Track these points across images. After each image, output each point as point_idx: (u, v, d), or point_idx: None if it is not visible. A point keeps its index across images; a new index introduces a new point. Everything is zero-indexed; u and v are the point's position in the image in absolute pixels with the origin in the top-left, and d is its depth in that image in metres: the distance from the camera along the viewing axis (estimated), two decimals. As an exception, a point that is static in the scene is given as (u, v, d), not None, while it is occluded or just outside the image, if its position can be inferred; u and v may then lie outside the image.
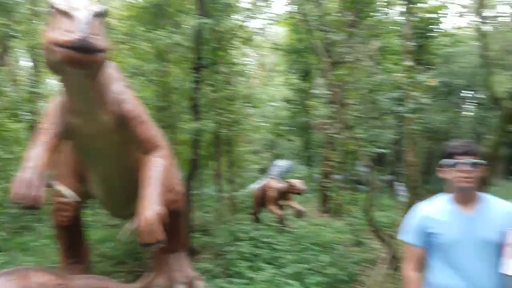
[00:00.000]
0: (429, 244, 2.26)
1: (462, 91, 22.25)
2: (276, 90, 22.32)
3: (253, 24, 16.55)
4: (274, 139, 22.30)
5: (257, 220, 10.15)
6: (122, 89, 3.96)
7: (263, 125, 20.09)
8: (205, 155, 10.68)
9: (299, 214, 9.18)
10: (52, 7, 2.74)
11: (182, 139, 8.64)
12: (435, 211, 2.27)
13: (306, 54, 15.40)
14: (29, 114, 9.86)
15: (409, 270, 2.29)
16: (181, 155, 8.21)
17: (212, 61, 8.85)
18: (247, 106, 12.43)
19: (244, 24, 10.22)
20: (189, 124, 7.60)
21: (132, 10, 8.99)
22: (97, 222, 9.34)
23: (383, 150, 17.25)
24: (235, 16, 9.93)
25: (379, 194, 20.62)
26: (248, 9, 10.10)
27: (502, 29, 18.43)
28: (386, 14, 11.48)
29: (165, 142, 4.49)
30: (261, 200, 9.80)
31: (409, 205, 14.29)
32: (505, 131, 22.12)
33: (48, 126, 3.51)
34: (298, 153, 23.70)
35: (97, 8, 2.75)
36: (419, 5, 9.77)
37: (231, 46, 9.86)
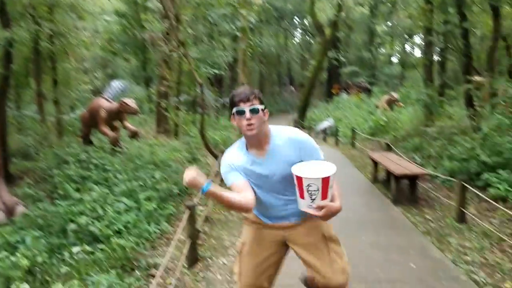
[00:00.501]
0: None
1: (292, 18, 23.60)
2: (107, 2, 20.36)
3: None
4: (107, 57, 20.79)
5: (88, 143, 9.65)
6: None
7: (94, 41, 18.45)
8: (22, 72, 9.44)
9: (133, 135, 8.98)
10: None
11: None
12: (236, 159, 2.34)
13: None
14: None
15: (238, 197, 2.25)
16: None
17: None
18: (72, 17, 11.15)
19: None
20: (-4, 32, 6.51)
21: None
22: None
23: (218, 71, 17.68)
24: None
25: (215, 115, 21.54)
26: None
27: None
28: None
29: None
30: (91, 122, 9.26)
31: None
32: (324, 57, 24.66)
33: None
34: (134, 72, 22.71)
35: None
36: None
37: None
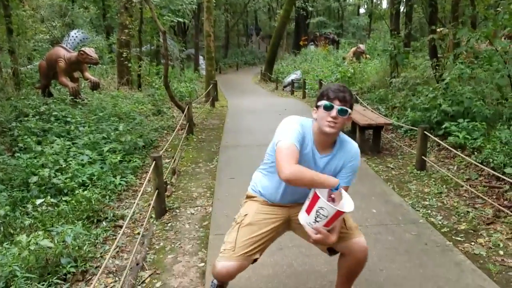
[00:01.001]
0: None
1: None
2: None
3: None
4: (65, 5, 19.59)
5: (47, 95, 9.24)
6: None
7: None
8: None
9: (94, 86, 8.64)
10: None
11: None
12: (306, 135, 2.24)
13: None
14: None
15: (292, 165, 2.08)
16: None
17: None
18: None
19: None
20: None
21: None
22: None
23: (182, 19, 17.04)
24: None
25: (180, 66, 21.02)
26: None
27: None
28: None
29: None
30: (50, 72, 8.82)
31: (207, 76, 15.03)
32: (292, 6, 24.12)
33: None
34: (94, 21, 21.61)
35: None
36: None
37: None
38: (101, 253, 3.60)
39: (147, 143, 7.10)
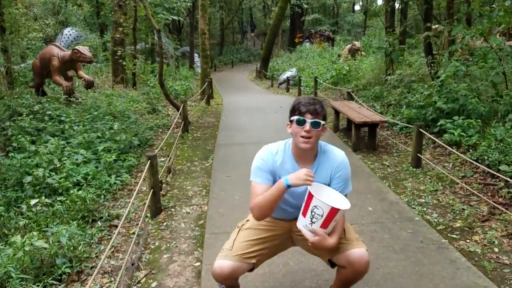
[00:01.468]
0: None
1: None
2: None
3: None
4: (58, 3, 19.46)
5: (41, 94, 9.18)
6: None
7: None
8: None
9: (89, 85, 8.59)
10: None
11: None
12: (278, 159, 2.30)
13: None
14: None
15: (252, 203, 2.24)
16: None
17: None
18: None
19: None
20: None
21: None
22: None
23: (177, 17, 16.98)
24: None
25: (175, 64, 20.95)
26: None
27: None
28: None
29: None
30: (43, 71, 8.76)
31: (202, 74, 15.01)
32: (287, 3, 24.14)
33: None
34: (88, 19, 21.48)
35: None
36: None
37: None
38: (96, 253, 3.58)
39: (142, 141, 7.07)
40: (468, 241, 3.65)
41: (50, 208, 4.14)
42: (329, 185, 2.31)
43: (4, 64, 9.88)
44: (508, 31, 9.05)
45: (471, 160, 5.03)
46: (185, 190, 5.17)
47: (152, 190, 4.28)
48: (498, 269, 3.18)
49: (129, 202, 3.95)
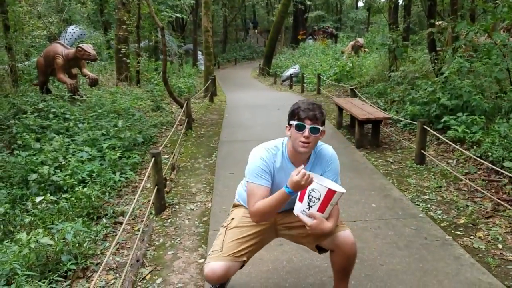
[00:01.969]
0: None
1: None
2: None
3: None
4: (62, 1, 19.50)
5: (45, 91, 9.21)
6: None
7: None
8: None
9: (93, 83, 8.61)
10: None
11: None
12: (275, 161, 2.32)
13: None
14: None
15: (253, 208, 2.24)
16: None
17: None
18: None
19: None
20: None
21: None
22: None
23: (180, 15, 16.98)
24: None
25: (179, 62, 20.96)
26: None
27: None
28: None
29: None
30: (48, 69, 8.79)
31: (206, 72, 15.00)
32: (290, 0, 24.07)
33: None
34: (91, 17, 21.52)
35: None
36: None
37: None
38: (102, 250, 3.61)
39: (146, 139, 7.09)
40: (472, 237, 3.65)
41: (55, 205, 4.17)
42: None
43: (9, 62, 9.93)
44: (512, 27, 9.00)
45: (475, 157, 5.02)
46: (189, 187, 5.19)
47: (156, 187, 4.30)
48: (502, 266, 3.18)
49: (134, 199, 3.97)
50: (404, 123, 7.53)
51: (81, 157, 5.43)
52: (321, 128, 2.22)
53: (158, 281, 3.11)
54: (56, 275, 3.05)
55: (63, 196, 4.43)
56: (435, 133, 5.77)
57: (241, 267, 2.42)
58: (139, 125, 7.45)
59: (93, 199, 4.32)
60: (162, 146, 6.39)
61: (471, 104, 6.36)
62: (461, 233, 3.73)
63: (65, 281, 3.08)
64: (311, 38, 30.90)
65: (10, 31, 9.94)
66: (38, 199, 4.07)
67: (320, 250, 2.44)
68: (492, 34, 6.72)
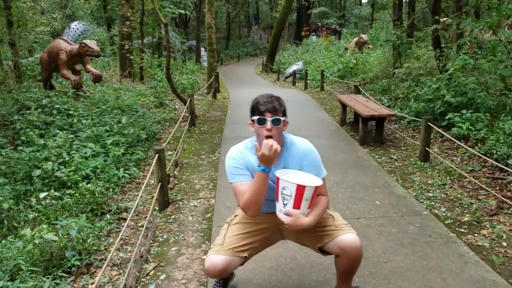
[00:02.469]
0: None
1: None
2: None
3: None
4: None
5: (49, 87, 9.22)
6: None
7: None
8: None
9: (96, 79, 8.62)
10: None
11: None
12: (247, 157, 2.34)
13: None
14: None
15: (241, 202, 2.27)
16: None
17: None
18: None
19: None
20: None
21: None
22: None
23: (184, 11, 16.96)
24: None
25: (182, 58, 20.95)
26: None
27: None
28: None
29: None
30: (51, 65, 8.80)
31: (209, 68, 14.99)
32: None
33: None
34: (95, 13, 21.54)
35: None
36: None
37: None
38: (105, 245, 3.62)
39: (150, 135, 7.09)
40: (476, 235, 3.64)
41: (59, 201, 4.18)
42: None
43: (12, 58, 9.96)
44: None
45: (479, 154, 5.00)
46: (192, 184, 5.19)
47: (160, 183, 4.30)
48: (507, 263, 3.17)
49: (138, 195, 3.98)
50: (408, 120, 7.50)
51: (85, 153, 5.43)
52: (282, 118, 2.23)
53: (162, 277, 3.12)
54: (60, 271, 3.07)
55: (67, 192, 4.44)
56: (439, 130, 5.75)
57: (242, 264, 2.43)
58: (142, 121, 7.46)
59: (97, 195, 4.33)
60: (166, 142, 6.39)
61: (476, 101, 6.33)
62: (465, 231, 3.72)
63: (69, 277, 3.09)
64: (314, 34, 30.81)
65: (14, 27, 9.96)
66: (42, 195, 4.08)
67: (324, 252, 2.42)
68: (497, 31, 6.68)
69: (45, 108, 7.17)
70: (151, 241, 3.68)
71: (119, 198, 4.72)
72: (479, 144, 5.59)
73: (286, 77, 18.52)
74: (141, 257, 3.35)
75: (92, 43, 8.24)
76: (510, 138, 5.17)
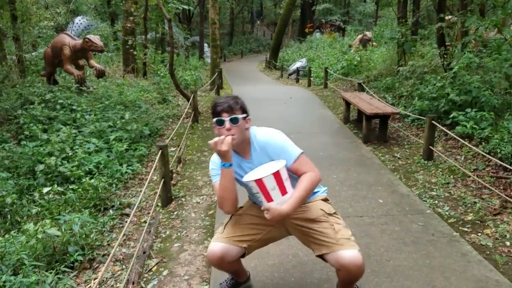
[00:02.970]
0: None
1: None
2: None
3: None
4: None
5: (52, 82, 9.23)
6: None
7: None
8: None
9: (100, 74, 8.61)
10: None
11: None
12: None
13: None
14: None
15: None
16: None
17: None
18: None
19: None
20: None
21: None
22: None
23: (187, 7, 16.91)
24: None
25: (185, 54, 20.92)
26: None
27: None
28: None
29: None
30: (55, 60, 8.80)
31: (212, 64, 14.95)
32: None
33: None
34: (98, 8, 21.52)
35: None
36: None
37: None
38: (108, 241, 3.63)
39: (153, 131, 7.10)
40: (479, 234, 3.63)
41: (62, 196, 4.19)
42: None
43: (16, 52, 9.97)
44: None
45: (483, 153, 4.98)
46: (195, 180, 5.19)
47: (163, 179, 4.30)
48: (510, 263, 3.16)
49: (141, 191, 3.98)
50: (412, 118, 7.47)
51: (88, 148, 5.44)
52: (240, 116, 2.22)
53: (165, 273, 3.12)
54: (63, 266, 3.08)
55: (70, 187, 4.45)
56: (443, 128, 5.72)
57: (243, 256, 2.45)
58: (145, 117, 7.47)
59: (100, 191, 4.34)
60: (169, 138, 6.40)
61: (480, 100, 6.29)
62: (469, 230, 3.71)
63: (71, 272, 3.10)
64: (318, 31, 30.70)
65: (18, 22, 9.96)
66: (45, 189, 4.09)
67: (323, 259, 2.36)
68: (502, 29, 6.63)
69: (49, 103, 7.18)
70: (153, 237, 3.69)
71: (122, 193, 4.73)
72: (483, 143, 5.56)
73: (290, 74, 18.48)
74: (144, 252, 3.35)
75: (95, 38, 8.23)
76: (514, 137, 5.14)
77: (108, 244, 3.57)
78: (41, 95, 7.53)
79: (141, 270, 3.13)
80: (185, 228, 3.89)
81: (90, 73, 10.42)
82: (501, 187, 4.56)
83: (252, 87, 15.00)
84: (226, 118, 2.19)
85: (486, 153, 5.07)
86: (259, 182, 2.05)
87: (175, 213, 4.23)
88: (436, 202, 4.33)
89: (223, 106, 2.20)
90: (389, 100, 8.96)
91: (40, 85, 8.43)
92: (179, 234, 3.77)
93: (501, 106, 6.21)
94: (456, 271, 3.02)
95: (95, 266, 3.24)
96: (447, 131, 5.75)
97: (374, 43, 17.34)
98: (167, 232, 3.81)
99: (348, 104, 8.12)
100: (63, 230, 3.32)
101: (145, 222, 3.94)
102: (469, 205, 4.23)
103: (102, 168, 5.03)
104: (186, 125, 7.82)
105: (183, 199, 4.58)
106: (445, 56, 8.18)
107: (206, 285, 2.95)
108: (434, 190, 4.65)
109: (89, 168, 4.92)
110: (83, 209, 3.99)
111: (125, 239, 3.68)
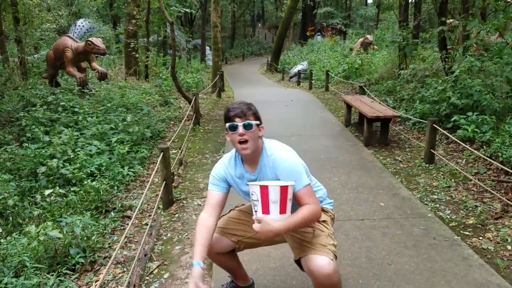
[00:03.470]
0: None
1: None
2: None
3: None
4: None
5: (54, 85, 9.26)
6: None
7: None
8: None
9: (102, 77, 8.64)
10: None
11: None
12: (227, 169, 2.32)
13: None
14: None
15: (202, 213, 2.26)
16: None
17: None
18: None
19: None
20: None
21: None
22: None
23: (189, 10, 16.96)
24: None
25: (187, 57, 20.97)
26: None
27: None
28: None
29: None
30: (57, 62, 8.83)
31: (214, 67, 14.98)
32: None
33: None
34: (101, 10, 21.59)
35: None
36: None
37: None
38: (110, 243, 3.63)
39: (155, 133, 7.11)
40: (481, 238, 3.62)
41: (64, 198, 4.19)
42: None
43: (18, 54, 10.00)
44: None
45: (484, 157, 4.98)
46: (196, 183, 5.20)
47: (164, 182, 4.31)
48: (511, 267, 3.16)
49: (142, 193, 3.99)
50: (413, 121, 7.47)
51: (90, 150, 5.45)
52: (253, 122, 2.15)
53: (166, 275, 3.12)
54: (64, 268, 3.08)
55: (71, 189, 4.45)
56: (445, 132, 5.73)
57: (233, 250, 2.48)
58: (147, 119, 7.48)
59: (101, 193, 4.34)
60: (170, 141, 6.40)
61: (482, 104, 6.30)
62: (470, 234, 3.71)
63: (73, 274, 3.10)
64: (319, 34, 30.76)
65: (20, 24, 10.01)
66: (47, 192, 4.09)
67: (300, 266, 2.25)
68: (504, 33, 6.64)
69: (51, 105, 7.19)
70: (155, 240, 3.69)
71: (124, 196, 4.73)
72: (484, 146, 5.57)
73: (291, 77, 18.50)
74: (145, 255, 3.36)
75: (98, 41, 8.26)
76: (516, 141, 5.14)
77: (110, 247, 3.57)
78: (43, 97, 7.55)
79: (142, 272, 3.13)
80: (186, 230, 3.89)
81: (92, 76, 10.44)
82: (503, 191, 4.56)
83: (254, 90, 15.02)
84: (239, 123, 2.12)
85: (487, 156, 5.07)
86: (264, 189, 1.96)
87: (176, 215, 4.24)
88: (438, 205, 4.33)
89: (236, 111, 2.13)
90: (390, 103, 8.97)
91: (42, 87, 8.45)
92: (180, 236, 3.77)
93: (503, 110, 6.22)
94: (457, 275, 3.02)
95: (97, 269, 3.24)
96: (448, 134, 5.75)
97: (375, 47, 17.36)
98: (168, 235, 3.82)
99: (349, 107, 8.12)
100: (64, 232, 3.32)
101: (146, 224, 3.95)
102: (470, 208, 4.23)
103: (103, 170, 5.03)
104: (187, 127, 7.83)
105: (184, 202, 4.58)
106: (446, 59, 8.19)
107: None
108: (436, 193, 4.65)
109: (90, 170, 4.93)
110: (84, 211, 3.99)
111: (126, 242, 3.69)
